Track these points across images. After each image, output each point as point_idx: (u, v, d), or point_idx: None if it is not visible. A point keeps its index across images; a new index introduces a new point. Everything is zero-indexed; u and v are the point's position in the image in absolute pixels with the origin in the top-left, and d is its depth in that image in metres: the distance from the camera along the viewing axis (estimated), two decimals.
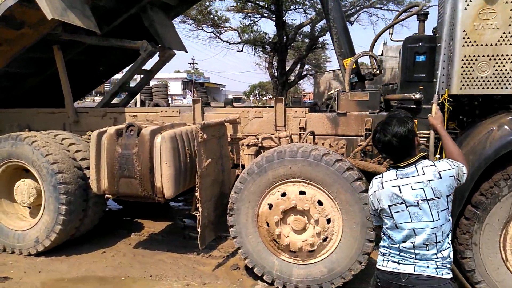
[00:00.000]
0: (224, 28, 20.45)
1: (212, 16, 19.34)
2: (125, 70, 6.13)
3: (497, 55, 3.12)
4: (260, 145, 4.37)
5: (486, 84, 3.19)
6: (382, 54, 28.15)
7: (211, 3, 18.47)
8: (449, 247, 2.07)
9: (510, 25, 3.07)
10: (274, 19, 17.52)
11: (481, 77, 3.18)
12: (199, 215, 3.74)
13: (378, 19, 24.53)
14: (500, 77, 3.15)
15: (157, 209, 5.95)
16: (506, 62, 3.12)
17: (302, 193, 3.53)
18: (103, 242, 4.68)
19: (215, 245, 4.63)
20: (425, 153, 2.24)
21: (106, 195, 4.09)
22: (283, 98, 4.37)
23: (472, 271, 3.19)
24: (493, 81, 3.17)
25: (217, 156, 4.10)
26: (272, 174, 3.57)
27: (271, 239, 3.63)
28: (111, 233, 4.99)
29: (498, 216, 3.14)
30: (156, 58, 5.66)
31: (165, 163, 3.83)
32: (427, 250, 2.03)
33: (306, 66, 25.85)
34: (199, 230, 3.75)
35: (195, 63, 50.30)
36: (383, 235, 2.22)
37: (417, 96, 3.83)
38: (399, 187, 2.08)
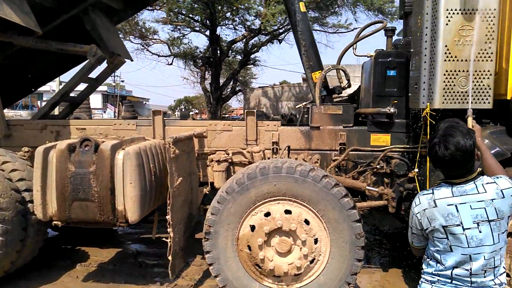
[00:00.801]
0: (153, 40, 19.76)
1: (139, 27, 18.59)
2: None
3: (476, 71, 3.22)
4: (230, 160, 4.06)
5: (466, 99, 3.26)
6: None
7: (138, 14, 17.72)
8: (504, 271, 1.93)
9: (485, 42, 3.18)
10: (208, 33, 17.31)
11: (461, 92, 3.25)
12: (170, 241, 3.30)
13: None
14: (479, 92, 3.24)
15: (100, 235, 5.28)
16: (484, 78, 3.22)
17: (287, 212, 3.29)
18: (44, 277, 3.97)
19: (178, 272, 4.17)
20: (480, 169, 2.07)
21: (54, 222, 3.46)
22: (254, 110, 4.12)
23: None
24: (473, 95, 3.25)
25: (187, 173, 3.70)
26: (255, 192, 3.28)
27: (253, 264, 3.32)
28: (52, 265, 4.27)
29: None
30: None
31: (130, 182, 3.35)
32: (485, 277, 1.86)
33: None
34: (170, 258, 3.31)
35: (117, 75, 47.85)
36: (428, 259, 2.02)
37: (392, 110, 3.84)
38: (456, 205, 1.87)
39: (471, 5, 3.15)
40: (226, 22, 18.91)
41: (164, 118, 4.25)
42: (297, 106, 4.58)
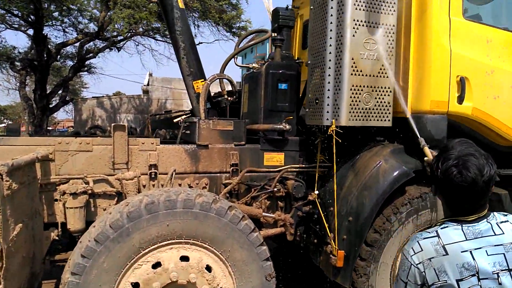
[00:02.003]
0: None
1: None
2: None
3: (378, 87, 3.08)
4: (90, 192, 3.01)
5: (369, 116, 3.08)
6: (148, 84, 28.22)
7: None
8: None
9: (386, 58, 3.08)
10: (31, 32, 14.61)
11: (366, 109, 3.06)
12: None
13: (145, 49, 24.35)
14: (381, 109, 3.10)
15: None
16: (384, 95, 3.11)
17: (184, 258, 2.51)
18: None
19: None
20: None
21: None
22: (125, 125, 3.17)
23: None
24: (375, 113, 3.10)
25: (28, 215, 2.53)
26: (139, 237, 2.40)
27: None
28: None
29: (390, 253, 3.03)
30: None
31: None
32: None
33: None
34: None
35: None
36: None
37: (288, 126, 3.45)
38: (470, 252, 1.45)
39: (375, 18, 3.01)
40: (55, 23, 16.42)
41: None
42: (175, 120, 3.80)
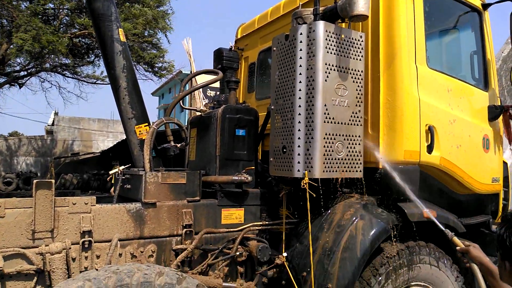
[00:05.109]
0: None
1: None
2: None
3: (349, 135, 2.85)
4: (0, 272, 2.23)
5: (342, 167, 2.82)
6: (53, 124, 25.82)
7: None
8: None
9: (356, 105, 2.89)
10: None
11: (338, 159, 2.79)
12: None
13: (52, 86, 22.36)
14: (353, 159, 2.86)
15: None
16: (355, 144, 2.88)
17: None
18: None
19: None
20: None
21: None
22: (51, 181, 2.47)
23: None
24: (347, 163, 2.84)
25: None
26: None
27: None
28: None
29: None
30: None
31: None
32: None
33: None
34: None
35: None
36: None
37: (249, 178, 3.04)
38: None
39: (345, 63, 2.82)
40: None
41: None
42: (111, 172, 3.15)
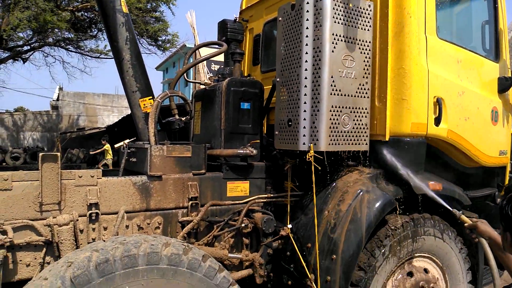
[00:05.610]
0: None
1: None
2: None
3: (357, 108, 2.81)
4: (9, 243, 2.26)
5: (348, 140, 2.79)
6: (58, 100, 25.80)
7: None
8: None
9: (363, 77, 2.84)
10: None
11: (344, 132, 2.77)
12: None
13: (55, 61, 22.22)
14: (359, 132, 2.84)
15: None
16: (362, 116, 2.85)
17: None
18: None
19: None
20: None
21: None
22: (57, 154, 2.47)
23: None
24: (353, 136, 2.82)
25: None
26: None
27: None
28: None
29: None
30: None
31: None
32: None
33: None
34: None
35: None
36: None
37: (255, 151, 3.04)
38: None
39: (352, 33, 2.75)
40: None
41: None
42: (117, 145, 3.15)
